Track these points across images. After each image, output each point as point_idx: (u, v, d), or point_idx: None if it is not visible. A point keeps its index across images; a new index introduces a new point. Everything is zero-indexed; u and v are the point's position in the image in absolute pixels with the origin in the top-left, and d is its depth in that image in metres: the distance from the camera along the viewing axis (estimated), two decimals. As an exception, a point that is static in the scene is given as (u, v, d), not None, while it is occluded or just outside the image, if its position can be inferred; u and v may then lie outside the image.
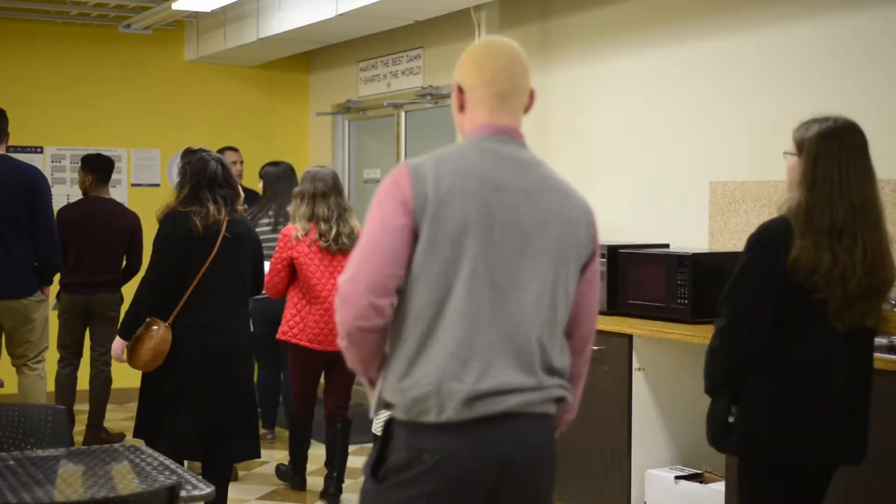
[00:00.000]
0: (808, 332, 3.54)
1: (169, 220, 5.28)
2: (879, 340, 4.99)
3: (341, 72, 9.90)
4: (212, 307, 5.28)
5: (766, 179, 5.86)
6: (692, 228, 6.27)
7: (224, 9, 8.76)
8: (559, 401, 2.81)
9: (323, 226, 6.13)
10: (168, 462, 3.52)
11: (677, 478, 5.44)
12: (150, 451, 3.67)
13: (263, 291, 5.98)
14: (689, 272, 5.56)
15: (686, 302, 5.56)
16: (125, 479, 3.34)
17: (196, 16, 9.33)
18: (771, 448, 3.58)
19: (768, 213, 5.81)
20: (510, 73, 2.79)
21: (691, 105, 6.39)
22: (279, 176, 7.71)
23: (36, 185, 6.70)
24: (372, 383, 2.79)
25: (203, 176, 5.27)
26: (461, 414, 2.61)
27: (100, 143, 9.35)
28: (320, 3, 7.79)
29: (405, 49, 8.96)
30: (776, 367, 3.54)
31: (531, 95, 2.84)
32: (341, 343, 2.73)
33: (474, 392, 2.61)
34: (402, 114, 9.17)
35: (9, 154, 6.78)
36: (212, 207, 5.24)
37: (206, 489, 3.22)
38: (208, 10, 8.49)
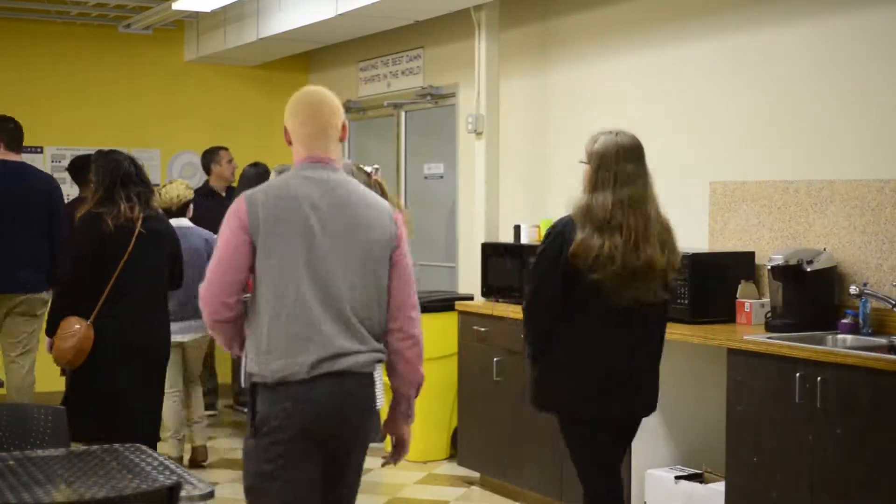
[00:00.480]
0: (587, 310, 4.26)
1: (82, 222, 5.53)
2: (879, 340, 5.01)
3: (341, 72, 9.91)
4: (129, 303, 5.50)
5: (766, 179, 5.86)
6: (692, 228, 6.25)
7: (224, 9, 8.78)
8: (379, 362, 3.64)
9: None
10: (168, 462, 3.52)
11: (677, 478, 5.44)
12: (150, 450, 3.67)
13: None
14: (689, 272, 5.54)
15: (686, 302, 5.54)
16: (125, 479, 3.34)
17: (196, 16, 9.34)
18: (558, 407, 4.41)
19: (768, 212, 5.82)
20: (316, 119, 3.68)
21: (691, 105, 6.38)
22: (252, 177, 7.71)
23: (48, 192, 7.08)
24: (239, 357, 3.67)
25: (116, 176, 5.49)
26: (309, 373, 3.45)
27: (99, 143, 9.26)
28: (320, 3, 7.79)
29: (405, 49, 8.96)
30: (561, 340, 4.31)
31: (343, 128, 3.71)
32: (210, 332, 3.69)
33: (318, 358, 3.46)
34: (402, 114, 9.17)
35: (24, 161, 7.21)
36: (123, 206, 5.45)
37: (207, 489, 3.22)
38: (208, 10, 8.50)
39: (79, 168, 7.83)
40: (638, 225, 4.23)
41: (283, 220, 3.52)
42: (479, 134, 7.50)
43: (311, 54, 10.18)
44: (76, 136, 9.50)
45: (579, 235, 4.21)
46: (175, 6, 8.32)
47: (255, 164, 7.99)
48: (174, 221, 6.29)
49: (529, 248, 6.52)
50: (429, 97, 8.64)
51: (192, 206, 7.11)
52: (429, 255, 8.60)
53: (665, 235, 4.33)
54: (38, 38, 9.41)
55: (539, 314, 4.34)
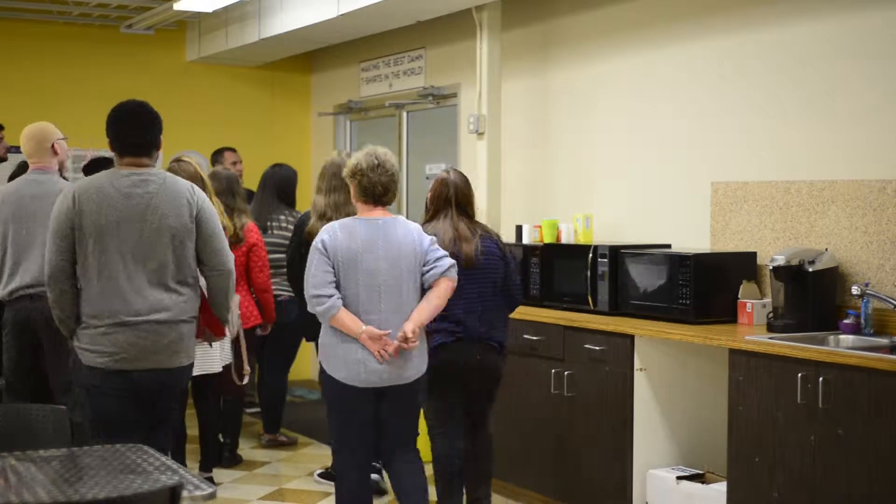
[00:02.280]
0: None
1: None
2: (881, 341, 5.01)
3: (343, 72, 9.90)
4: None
5: (768, 180, 5.86)
6: (694, 229, 6.28)
7: (226, 9, 8.77)
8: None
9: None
10: (170, 462, 3.52)
11: (679, 478, 5.43)
12: (151, 451, 3.67)
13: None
14: (691, 272, 5.55)
15: (688, 302, 5.56)
16: (126, 480, 3.34)
17: (198, 16, 9.32)
18: None
19: (770, 213, 5.81)
20: (31, 146, 5.84)
21: (692, 105, 6.38)
22: (271, 177, 7.72)
23: None
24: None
25: None
26: (11, 296, 5.76)
27: (102, 144, 9.09)
28: (322, 3, 7.78)
29: (407, 49, 8.95)
30: None
31: (53, 148, 5.83)
32: None
33: (17, 287, 5.73)
34: (404, 114, 9.16)
35: None
36: None
37: (208, 489, 3.22)
38: (210, 10, 8.49)
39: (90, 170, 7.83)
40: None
41: (7, 203, 5.76)
42: (480, 134, 7.48)
43: (313, 54, 10.17)
44: (77, 136, 9.44)
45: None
46: (177, 6, 8.31)
47: (279, 165, 7.92)
48: None
49: (531, 249, 6.52)
50: (430, 97, 8.63)
51: None
52: (430, 256, 8.57)
53: None
54: (39, 38, 9.40)
55: None
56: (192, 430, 6.69)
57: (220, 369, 6.37)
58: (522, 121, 7.67)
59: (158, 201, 4.59)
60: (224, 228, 6.23)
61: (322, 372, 5.00)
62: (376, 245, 4.87)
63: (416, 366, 4.98)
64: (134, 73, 9.71)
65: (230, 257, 4.82)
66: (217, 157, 8.77)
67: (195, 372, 6.22)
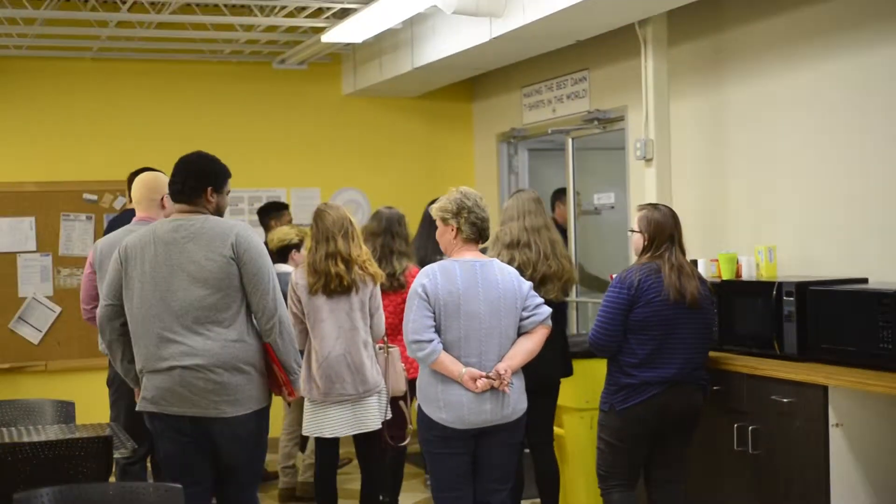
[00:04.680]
0: None
1: None
2: None
3: (505, 98, 9.67)
4: None
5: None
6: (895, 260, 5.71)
7: (379, 39, 8.67)
8: None
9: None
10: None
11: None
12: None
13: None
14: (893, 311, 4.96)
15: (890, 346, 4.97)
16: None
17: (351, 48, 9.21)
18: None
19: None
20: (139, 194, 5.79)
21: (892, 117, 5.76)
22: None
23: None
24: None
25: None
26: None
27: (259, 184, 9.29)
28: (474, 27, 7.46)
29: (569, 71, 8.58)
30: None
31: (162, 201, 5.66)
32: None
33: None
34: (569, 140, 8.74)
35: None
36: None
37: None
38: (359, 40, 8.36)
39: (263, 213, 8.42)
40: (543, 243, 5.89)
41: (104, 255, 5.54)
42: (648, 160, 7.00)
43: (476, 81, 9.94)
44: (236, 176, 9.26)
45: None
46: (325, 38, 8.16)
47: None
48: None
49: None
50: (596, 122, 8.18)
51: (296, 250, 7.10)
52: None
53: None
54: (193, 77, 9.38)
55: None
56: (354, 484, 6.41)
57: (380, 426, 6.01)
58: (694, 144, 7.21)
59: (192, 245, 4.69)
60: (372, 275, 5.89)
61: (420, 413, 5.00)
62: (476, 288, 4.94)
63: (514, 404, 4.98)
64: (289, 110, 9.70)
65: (277, 301, 4.75)
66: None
67: (353, 431, 5.94)
